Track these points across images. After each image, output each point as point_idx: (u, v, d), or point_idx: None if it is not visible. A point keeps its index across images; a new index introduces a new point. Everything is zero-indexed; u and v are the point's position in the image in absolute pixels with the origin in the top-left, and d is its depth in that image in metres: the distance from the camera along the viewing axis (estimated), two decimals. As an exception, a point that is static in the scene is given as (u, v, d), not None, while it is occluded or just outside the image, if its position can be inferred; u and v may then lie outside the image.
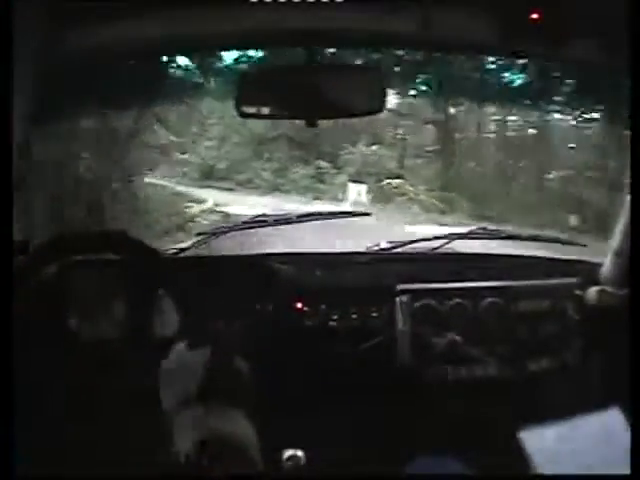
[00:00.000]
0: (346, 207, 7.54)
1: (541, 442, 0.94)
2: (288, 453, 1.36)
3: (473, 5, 1.04)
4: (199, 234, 1.67)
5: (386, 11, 1.05)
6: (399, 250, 1.70)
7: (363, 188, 8.72)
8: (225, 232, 1.70)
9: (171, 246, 1.60)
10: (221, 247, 1.86)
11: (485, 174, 9.13)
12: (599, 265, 1.50)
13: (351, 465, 1.37)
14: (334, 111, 1.22)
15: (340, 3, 1.00)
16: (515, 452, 1.01)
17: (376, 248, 1.69)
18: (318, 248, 2.00)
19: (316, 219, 1.82)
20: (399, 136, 10.20)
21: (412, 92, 6.18)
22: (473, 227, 1.81)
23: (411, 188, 9.22)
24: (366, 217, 1.91)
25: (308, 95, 1.14)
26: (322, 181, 9.85)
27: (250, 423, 0.75)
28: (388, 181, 9.28)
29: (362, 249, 1.73)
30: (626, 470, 0.76)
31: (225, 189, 9.50)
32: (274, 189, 9.65)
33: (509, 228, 2.75)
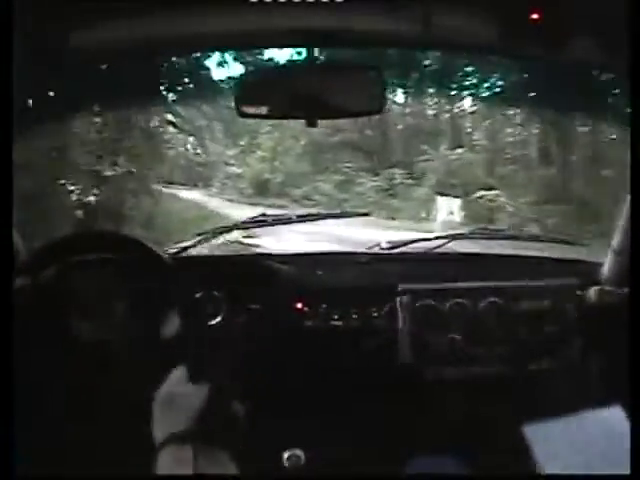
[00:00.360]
0: (436, 227, 6.19)
1: (541, 442, 0.94)
2: (288, 453, 1.36)
3: (473, 5, 1.04)
4: (199, 234, 1.67)
5: (386, 11, 1.04)
6: (400, 250, 1.70)
7: (455, 204, 6.97)
8: (225, 232, 1.70)
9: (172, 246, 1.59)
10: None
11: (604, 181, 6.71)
12: (599, 265, 1.50)
13: (351, 465, 1.37)
14: (334, 111, 1.22)
15: (340, 3, 1.00)
16: (515, 451, 1.00)
17: (377, 248, 1.69)
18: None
19: (316, 219, 1.83)
20: (486, 137, 8.47)
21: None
22: (473, 227, 1.81)
23: (509, 201, 7.38)
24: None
25: (308, 95, 1.14)
26: (396, 195, 8.17)
27: (238, 466, 0.74)
28: (481, 193, 7.46)
29: (362, 249, 1.73)
30: (626, 470, 0.76)
31: (278, 206, 7.92)
32: (336, 205, 7.86)
33: None
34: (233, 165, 10.47)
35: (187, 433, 0.71)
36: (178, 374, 0.80)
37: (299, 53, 1.16)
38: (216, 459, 0.71)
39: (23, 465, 0.75)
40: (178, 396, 0.76)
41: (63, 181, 5.29)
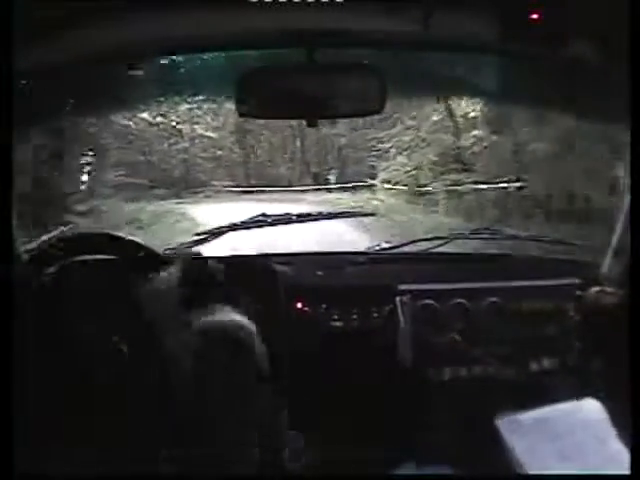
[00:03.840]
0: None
1: (541, 442, 0.94)
2: (287, 452, 1.36)
3: (473, 5, 1.04)
4: (199, 234, 1.67)
5: (386, 11, 1.04)
6: (400, 250, 1.70)
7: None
8: (225, 232, 1.70)
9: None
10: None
11: None
12: (599, 265, 1.50)
13: (351, 465, 1.37)
14: (334, 111, 1.22)
15: (340, 3, 1.00)
16: (506, 445, 1.00)
17: (377, 248, 1.69)
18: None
19: (316, 219, 1.83)
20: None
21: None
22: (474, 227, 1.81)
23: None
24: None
25: (308, 95, 1.14)
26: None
27: (239, 313, 0.75)
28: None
29: (363, 249, 1.73)
30: (626, 470, 0.76)
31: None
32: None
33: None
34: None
35: (191, 301, 0.72)
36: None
37: (299, 53, 1.16)
38: (225, 310, 0.73)
39: (23, 465, 0.75)
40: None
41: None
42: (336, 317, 1.46)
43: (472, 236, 1.78)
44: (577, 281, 1.48)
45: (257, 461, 0.76)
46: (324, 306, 1.46)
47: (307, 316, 1.46)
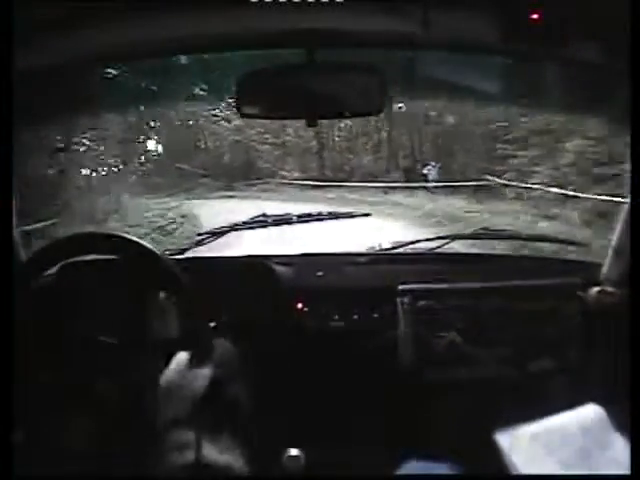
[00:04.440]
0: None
1: (541, 442, 0.94)
2: (288, 453, 1.36)
3: (473, 5, 1.04)
4: (199, 234, 1.67)
5: (386, 11, 1.04)
6: (400, 250, 1.70)
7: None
8: (225, 232, 1.70)
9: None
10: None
11: None
12: (599, 265, 1.50)
13: (351, 465, 1.37)
14: (334, 111, 1.22)
15: (340, 3, 1.00)
16: (507, 460, 1.00)
17: (377, 248, 1.69)
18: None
19: (316, 220, 1.82)
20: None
21: None
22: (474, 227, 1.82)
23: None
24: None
25: (308, 95, 1.14)
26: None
27: (242, 452, 0.74)
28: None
29: (363, 249, 1.73)
30: (626, 470, 0.76)
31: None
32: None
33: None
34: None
35: (193, 417, 0.71)
36: (183, 359, 0.81)
37: (299, 53, 1.16)
38: (222, 445, 0.71)
39: (23, 465, 0.75)
40: (180, 386, 0.77)
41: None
42: (336, 317, 1.46)
43: (472, 236, 1.78)
44: (577, 281, 1.48)
45: (257, 462, 0.76)
46: (324, 306, 1.46)
47: (307, 316, 1.46)
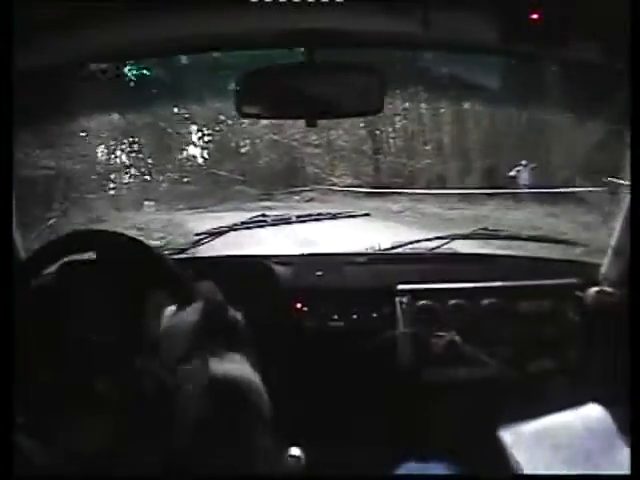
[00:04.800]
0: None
1: (541, 442, 0.94)
2: (288, 453, 1.36)
3: (473, 5, 1.04)
4: (198, 234, 1.67)
5: (386, 11, 1.04)
6: (399, 250, 1.70)
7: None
8: (224, 232, 1.70)
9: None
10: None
11: None
12: (599, 265, 1.50)
13: (351, 465, 1.37)
14: (334, 111, 1.22)
15: (340, 3, 1.00)
16: (510, 457, 1.00)
17: (376, 248, 1.69)
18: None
19: (316, 220, 1.83)
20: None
21: None
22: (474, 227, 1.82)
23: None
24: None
25: (308, 95, 1.14)
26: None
27: (251, 366, 0.75)
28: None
29: (362, 249, 1.73)
30: (626, 470, 0.76)
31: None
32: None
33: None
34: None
35: (194, 349, 0.72)
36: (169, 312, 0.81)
37: (299, 53, 1.16)
38: (231, 360, 0.72)
39: (23, 465, 0.75)
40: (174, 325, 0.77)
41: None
42: (335, 317, 1.46)
43: (472, 236, 1.78)
44: (577, 281, 1.48)
45: (257, 461, 0.76)
46: (324, 306, 1.46)
47: (306, 316, 1.46)
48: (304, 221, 1.79)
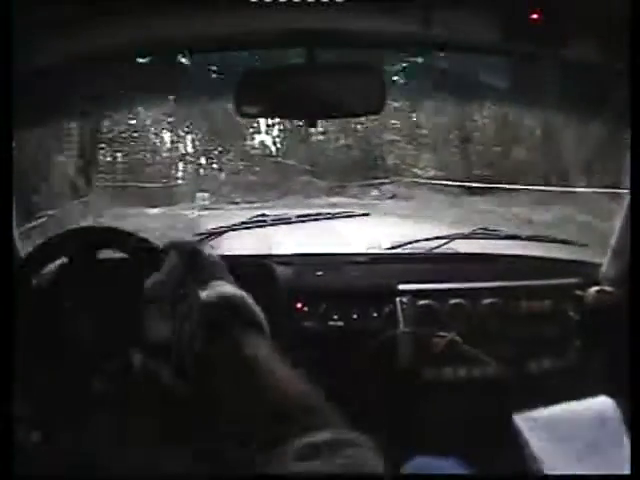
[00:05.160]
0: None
1: (541, 442, 0.94)
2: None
3: (473, 5, 1.04)
4: (198, 234, 1.67)
5: (386, 11, 1.04)
6: (400, 250, 1.70)
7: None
8: (224, 232, 1.70)
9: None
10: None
11: None
12: (599, 265, 1.50)
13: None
14: (334, 111, 1.22)
15: (340, 3, 1.00)
16: (515, 451, 1.00)
17: (377, 248, 1.69)
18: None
19: (315, 219, 1.83)
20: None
21: None
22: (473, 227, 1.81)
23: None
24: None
25: (308, 95, 1.14)
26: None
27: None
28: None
29: (362, 249, 1.73)
30: (626, 470, 0.76)
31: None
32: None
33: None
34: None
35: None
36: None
37: (299, 53, 1.16)
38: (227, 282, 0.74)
39: (23, 465, 0.75)
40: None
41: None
42: (336, 317, 1.46)
43: (472, 236, 1.78)
44: (577, 281, 1.48)
45: (257, 460, 0.76)
46: (324, 306, 1.46)
47: (307, 316, 1.46)
48: (304, 221, 1.79)
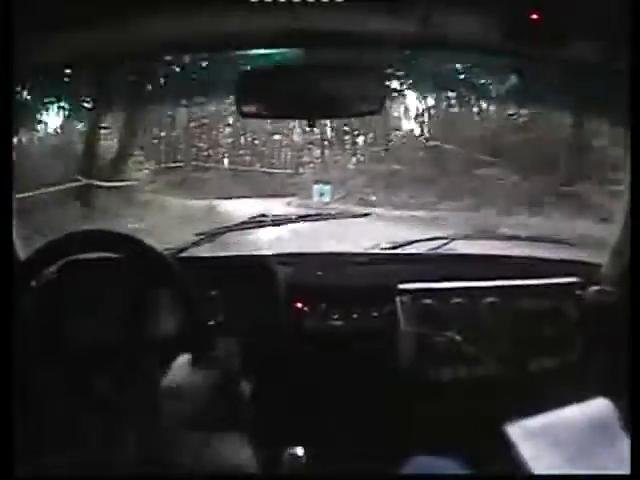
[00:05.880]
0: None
1: (541, 442, 0.94)
2: (288, 452, 1.36)
3: (473, 5, 1.04)
4: (198, 234, 1.66)
5: (386, 11, 1.05)
6: (400, 250, 1.70)
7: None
8: (224, 232, 1.70)
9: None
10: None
11: None
12: (599, 265, 1.50)
13: (351, 465, 1.37)
14: (334, 111, 1.23)
15: (340, 3, 1.00)
16: (515, 451, 1.00)
17: (377, 248, 1.69)
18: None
19: (316, 220, 1.83)
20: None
21: None
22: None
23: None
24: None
25: (308, 95, 1.14)
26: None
27: (251, 451, 0.75)
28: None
29: (363, 249, 1.73)
30: (626, 470, 0.76)
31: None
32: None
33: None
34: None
35: (199, 418, 0.72)
36: (184, 362, 0.81)
37: (299, 53, 1.16)
38: (230, 443, 0.72)
39: (23, 465, 0.75)
40: (181, 386, 0.77)
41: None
42: (336, 317, 1.46)
43: (472, 236, 1.78)
44: (577, 281, 1.48)
45: (257, 460, 0.76)
46: (324, 306, 1.46)
47: (307, 316, 1.46)
48: (304, 221, 1.79)
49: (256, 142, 8.20)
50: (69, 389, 1.06)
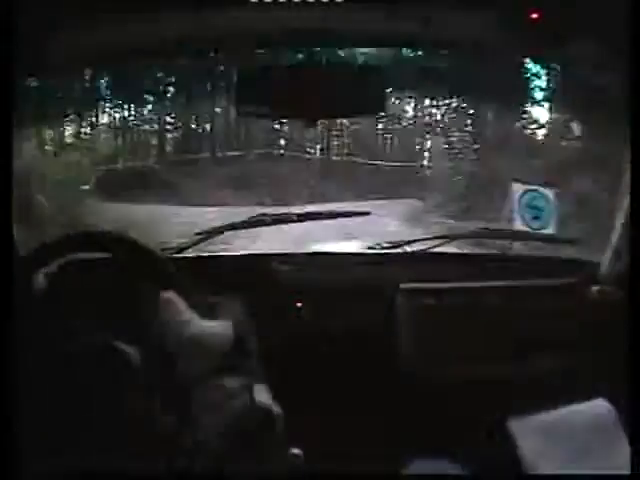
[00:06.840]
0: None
1: (541, 442, 0.94)
2: (288, 452, 1.36)
3: (473, 5, 1.04)
4: (198, 234, 1.66)
5: (386, 11, 1.05)
6: (400, 250, 1.70)
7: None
8: (222, 231, 1.70)
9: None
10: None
11: None
12: (599, 265, 1.50)
13: (351, 465, 1.37)
14: (334, 111, 1.23)
15: (340, 3, 1.00)
16: (516, 452, 1.00)
17: (377, 248, 1.69)
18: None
19: (316, 219, 1.82)
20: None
21: None
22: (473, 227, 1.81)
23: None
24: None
25: (308, 95, 1.14)
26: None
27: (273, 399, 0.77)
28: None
29: (363, 249, 1.73)
30: (626, 470, 0.76)
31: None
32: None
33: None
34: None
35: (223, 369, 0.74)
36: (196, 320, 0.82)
37: (299, 53, 1.16)
38: (259, 389, 0.75)
39: (23, 465, 0.75)
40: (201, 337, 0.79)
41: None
42: (336, 317, 1.46)
43: (472, 236, 1.78)
44: (576, 280, 1.48)
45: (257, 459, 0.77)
46: (324, 306, 1.46)
47: (307, 315, 1.46)
48: (304, 220, 1.78)
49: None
50: (69, 389, 1.06)
